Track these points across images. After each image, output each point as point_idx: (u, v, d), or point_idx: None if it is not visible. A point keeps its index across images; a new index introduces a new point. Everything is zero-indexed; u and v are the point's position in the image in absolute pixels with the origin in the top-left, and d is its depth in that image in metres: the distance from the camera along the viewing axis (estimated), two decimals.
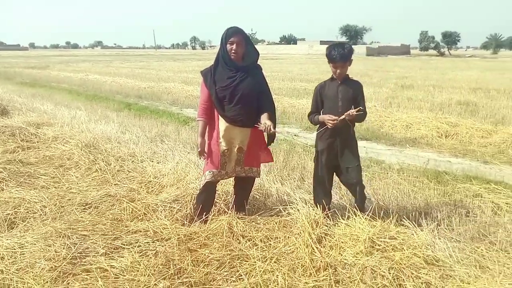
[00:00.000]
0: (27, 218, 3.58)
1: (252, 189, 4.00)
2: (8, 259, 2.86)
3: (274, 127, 3.23)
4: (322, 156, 3.41)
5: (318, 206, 3.38)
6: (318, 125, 3.47)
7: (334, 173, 3.55)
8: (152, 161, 5.11)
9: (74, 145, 5.58)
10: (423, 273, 2.66)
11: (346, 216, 3.30)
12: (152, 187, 4.30)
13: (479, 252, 3.01)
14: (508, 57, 57.47)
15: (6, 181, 4.42)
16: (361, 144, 6.99)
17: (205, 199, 3.47)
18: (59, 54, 74.54)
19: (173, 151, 5.57)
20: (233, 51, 3.23)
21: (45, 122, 7.40)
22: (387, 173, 5.01)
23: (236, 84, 3.25)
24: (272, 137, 3.50)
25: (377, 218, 3.27)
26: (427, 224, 3.43)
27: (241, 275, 2.70)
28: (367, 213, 3.29)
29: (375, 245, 2.91)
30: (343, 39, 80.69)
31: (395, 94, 13.17)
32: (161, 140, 6.49)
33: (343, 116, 3.16)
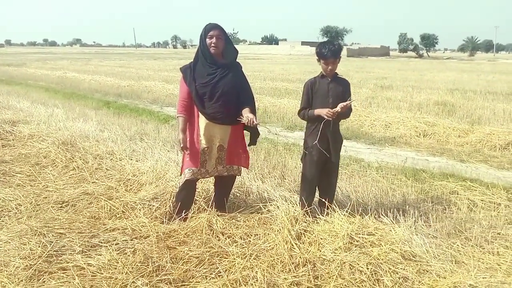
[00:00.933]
0: (1, 217, 3.49)
1: (233, 187, 4.00)
2: None
3: (256, 120, 3.22)
4: (313, 152, 3.40)
5: (304, 202, 3.40)
6: (308, 122, 3.48)
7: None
8: (131, 159, 5.04)
9: (51, 143, 5.47)
10: (401, 268, 2.70)
11: (325, 213, 3.32)
12: (130, 185, 4.24)
13: (455, 248, 3.07)
14: (484, 59, 58.93)
15: None
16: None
17: (185, 197, 3.44)
18: (36, 52, 72.96)
19: (152, 149, 5.50)
20: (213, 45, 3.22)
21: (21, 120, 7.24)
22: (366, 171, 5.07)
23: (217, 81, 3.24)
24: (255, 134, 3.49)
25: (356, 214, 3.31)
26: (405, 220, 3.47)
27: (220, 272, 2.69)
28: (346, 209, 3.32)
29: (354, 241, 2.94)
30: (324, 39, 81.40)
31: (375, 94, 13.34)
32: (140, 138, 6.42)
33: (338, 108, 3.19)
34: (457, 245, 3.11)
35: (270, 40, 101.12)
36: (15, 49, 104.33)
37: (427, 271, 2.73)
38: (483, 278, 2.57)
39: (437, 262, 2.80)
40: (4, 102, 9.77)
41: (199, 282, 2.61)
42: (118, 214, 3.59)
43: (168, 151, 5.47)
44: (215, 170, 3.43)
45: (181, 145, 3.33)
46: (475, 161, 5.94)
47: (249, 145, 3.57)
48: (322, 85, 3.39)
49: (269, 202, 3.51)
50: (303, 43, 77.67)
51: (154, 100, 12.08)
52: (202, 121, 3.30)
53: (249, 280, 2.55)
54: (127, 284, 2.53)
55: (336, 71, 3.40)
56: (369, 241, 2.95)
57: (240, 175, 3.67)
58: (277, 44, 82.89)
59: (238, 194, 4.00)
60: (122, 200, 3.79)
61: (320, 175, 3.50)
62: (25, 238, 2.95)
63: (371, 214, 3.35)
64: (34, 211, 3.60)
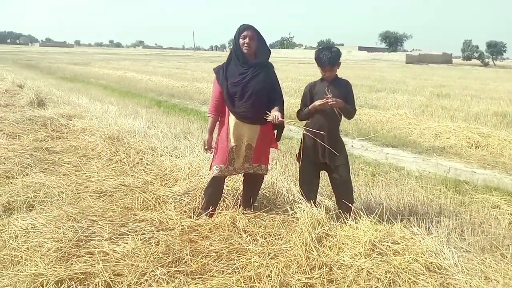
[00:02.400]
0: (44, 202, 3.75)
1: (263, 188, 4.03)
2: (21, 238, 3.02)
3: (283, 118, 3.25)
4: (309, 152, 3.42)
5: (305, 198, 3.41)
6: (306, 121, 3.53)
7: (321, 172, 3.62)
8: (171, 156, 5.22)
9: (99, 136, 5.78)
10: (422, 279, 2.60)
11: (351, 218, 3.27)
12: (166, 180, 4.40)
13: (487, 264, 2.90)
14: None
15: (31, 167, 4.65)
16: (386, 150, 6.92)
17: (212, 193, 3.52)
18: (102, 52, 77.28)
19: (193, 147, 5.67)
20: (245, 45, 3.29)
21: (77, 115, 7.70)
22: (405, 180, 4.90)
23: (248, 80, 3.30)
24: (280, 131, 3.51)
25: (383, 222, 3.23)
26: (437, 232, 3.34)
27: (237, 268, 2.72)
28: (373, 215, 3.24)
29: (376, 248, 2.86)
30: (383, 45, 79.24)
31: (430, 102, 12.83)
32: (184, 137, 6.62)
33: (326, 101, 3.24)
34: (490, 261, 2.93)
35: (327, 45, 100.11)
36: (83, 49, 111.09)
37: (451, 285, 2.60)
38: None
39: (464, 277, 2.67)
40: (65, 97, 10.45)
41: (215, 276, 2.66)
42: (150, 206, 3.74)
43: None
44: (242, 167, 3.49)
45: (205, 146, 3.42)
46: None
47: (278, 139, 3.59)
48: (321, 87, 3.43)
49: (296, 204, 3.50)
50: (360, 48, 76.23)
51: (204, 101, 12.39)
52: (232, 120, 3.36)
53: (262, 278, 2.57)
54: (146, 272, 2.64)
55: (337, 74, 3.46)
56: (392, 250, 2.86)
57: (267, 174, 3.69)
58: None
59: (267, 195, 4.02)
60: (156, 193, 3.94)
61: (318, 175, 3.57)
62: (60, 222, 3.15)
63: (400, 223, 3.25)
64: (74, 199, 3.84)
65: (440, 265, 2.80)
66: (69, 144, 5.73)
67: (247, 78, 3.31)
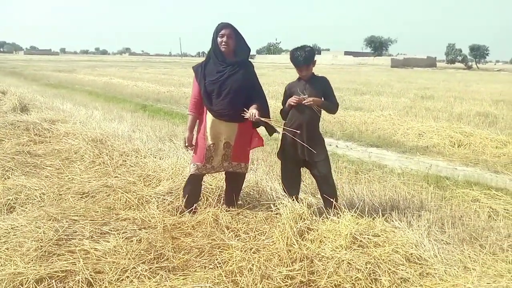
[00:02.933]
0: (25, 204, 3.72)
1: (247, 186, 4.05)
2: (0, 239, 2.98)
3: (261, 116, 3.26)
4: (289, 149, 3.46)
5: (287, 194, 3.44)
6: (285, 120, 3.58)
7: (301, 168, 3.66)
8: (155, 157, 5.21)
9: (82, 139, 5.74)
10: (401, 269, 2.64)
11: (333, 213, 3.30)
12: (150, 181, 4.39)
13: (466, 254, 2.95)
14: None
15: (12, 170, 4.60)
16: (370, 150, 6.98)
17: (190, 190, 3.53)
18: (87, 59, 76.67)
19: (178, 149, 5.66)
20: (223, 44, 3.29)
21: (61, 119, 7.63)
22: (388, 177, 4.96)
23: (225, 78, 3.30)
24: (269, 126, 3.50)
25: (366, 216, 3.27)
26: (418, 225, 3.39)
27: (219, 263, 2.73)
28: (354, 209, 3.28)
29: (357, 241, 2.90)
30: (368, 50, 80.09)
31: (414, 104, 13.00)
32: (169, 139, 6.61)
33: (299, 100, 3.32)
34: (469, 251, 2.99)
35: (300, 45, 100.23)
36: (68, 57, 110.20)
37: (430, 274, 2.64)
38: (486, 283, 2.46)
39: (443, 266, 2.71)
40: (49, 103, 10.35)
41: (197, 271, 2.67)
42: (133, 206, 3.72)
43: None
44: (221, 166, 3.50)
45: (186, 144, 3.43)
46: (510, 172, 5.65)
47: (270, 134, 3.59)
48: (299, 86, 3.49)
49: (278, 200, 3.52)
50: (346, 52, 76.93)
51: None
52: (209, 118, 3.37)
53: (244, 272, 2.58)
54: (128, 268, 2.63)
55: (313, 72, 3.52)
56: (373, 242, 2.90)
57: (247, 172, 3.70)
58: (319, 54, 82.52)
59: (251, 193, 4.04)
60: (139, 194, 3.93)
61: (299, 171, 3.60)
62: (40, 222, 3.12)
63: (382, 217, 3.29)
64: (55, 200, 3.81)
65: (420, 256, 2.84)
66: (51, 148, 5.68)
67: (224, 76, 3.31)
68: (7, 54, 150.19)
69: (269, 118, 3.40)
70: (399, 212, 3.71)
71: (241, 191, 3.83)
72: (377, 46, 78.52)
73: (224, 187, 3.85)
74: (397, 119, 9.47)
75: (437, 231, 3.42)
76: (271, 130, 3.58)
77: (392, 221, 3.35)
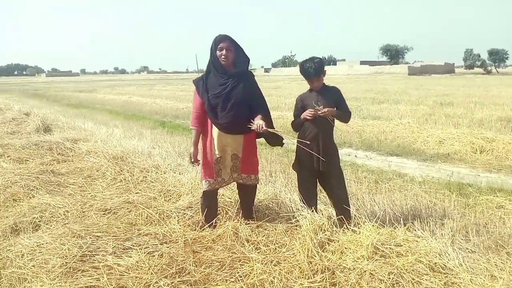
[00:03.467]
0: (50, 222, 3.80)
1: (266, 198, 4.06)
2: (27, 257, 3.06)
3: (267, 127, 3.26)
4: (305, 160, 3.45)
5: (306, 206, 3.42)
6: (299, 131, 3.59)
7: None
8: (175, 172, 5.27)
9: (103, 157, 5.86)
10: (425, 279, 2.59)
11: (353, 223, 3.27)
12: (170, 196, 4.44)
13: (492, 262, 2.88)
14: None
15: (37, 189, 4.71)
16: (390, 159, 6.91)
17: (207, 207, 3.56)
18: (107, 79, 78.38)
19: (197, 167, 5.71)
20: (223, 57, 3.30)
21: (82, 138, 7.81)
22: (408, 186, 4.90)
23: (229, 91, 3.31)
24: (273, 139, 3.51)
25: (387, 226, 3.23)
26: (442, 234, 3.33)
27: (240, 276, 2.73)
28: (375, 219, 3.25)
29: (379, 251, 2.86)
30: (384, 58, 79.59)
31: (433, 111, 12.83)
32: (188, 154, 6.66)
33: (314, 112, 3.30)
34: (495, 259, 2.92)
35: (329, 61, 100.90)
36: (88, 77, 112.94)
37: (455, 284, 2.59)
38: None
39: (468, 275, 2.65)
40: (71, 123, 10.61)
41: (218, 285, 2.68)
42: (154, 221, 3.77)
43: None
44: (231, 178, 3.52)
45: (192, 160, 3.46)
46: None
47: (272, 145, 3.62)
48: (311, 98, 3.48)
49: (298, 212, 3.51)
50: (362, 62, 76.61)
51: None
52: (215, 131, 3.38)
53: (265, 284, 2.58)
54: (150, 283, 2.66)
55: (324, 82, 3.51)
56: (395, 252, 2.86)
57: (257, 183, 3.71)
58: (335, 65, 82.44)
59: (270, 205, 4.03)
60: (159, 209, 3.97)
61: (315, 182, 3.58)
62: (65, 239, 3.19)
63: (403, 226, 3.25)
64: (79, 217, 3.89)
65: (444, 265, 2.79)
66: (74, 166, 5.81)
67: (228, 89, 3.31)
68: (29, 76, 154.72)
69: (273, 128, 3.40)
70: (422, 221, 3.66)
71: (260, 204, 3.84)
72: (393, 54, 77.98)
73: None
74: (417, 127, 9.35)
75: (462, 239, 3.35)
76: (272, 141, 3.58)
77: (415, 230, 3.30)
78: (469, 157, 6.97)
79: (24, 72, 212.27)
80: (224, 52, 3.30)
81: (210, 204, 3.57)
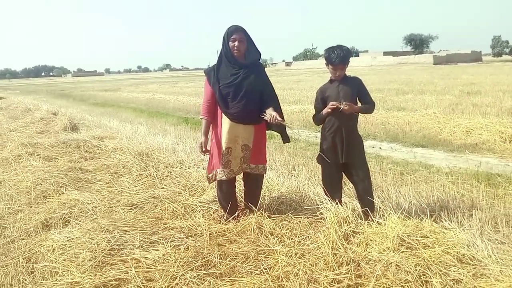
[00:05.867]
0: (79, 217, 3.91)
1: (289, 191, 4.06)
2: (58, 251, 3.17)
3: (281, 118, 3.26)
4: (328, 154, 3.42)
5: (331, 199, 3.39)
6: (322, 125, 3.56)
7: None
8: (199, 167, 5.33)
9: (129, 154, 5.97)
10: (453, 271, 2.54)
11: (379, 215, 3.24)
12: (194, 190, 4.49)
13: None
14: None
15: (66, 186, 4.85)
16: (415, 151, 6.79)
17: (224, 197, 3.58)
18: (131, 78, 79.60)
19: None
20: (235, 48, 3.32)
21: (108, 136, 7.98)
22: (435, 177, 4.81)
23: (240, 81, 3.32)
24: (284, 135, 3.54)
25: (413, 218, 3.19)
26: (470, 225, 3.27)
27: (265, 269, 2.75)
28: (400, 211, 3.20)
29: (405, 243, 2.82)
30: (408, 48, 77.96)
31: (459, 100, 12.52)
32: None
33: (342, 106, 3.23)
34: None
35: (351, 52, 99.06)
36: (112, 77, 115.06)
37: (484, 275, 2.53)
38: None
39: (498, 267, 2.59)
40: (97, 121, 10.84)
41: (243, 277, 2.70)
42: (179, 215, 3.83)
43: None
44: (240, 169, 3.53)
45: (203, 149, 3.44)
46: None
47: (284, 142, 3.62)
48: (332, 89, 3.43)
49: (322, 205, 3.50)
50: (385, 53, 75.26)
51: None
52: (225, 121, 3.38)
53: (290, 277, 2.58)
54: (177, 276, 2.70)
55: (346, 73, 3.45)
56: (422, 243, 2.82)
57: (265, 173, 3.71)
58: (358, 56, 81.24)
59: (294, 198, 4.03)
60: (184, 203, 4.03)
61: (340, 175, 3.54)
62: (93, 234, 3.28)
63: (430, 218, 3.20)
64: (107, 212, 3.98)
65: (473, 256, 2.73)
66: (101, 163, 5.94)
67: (239, 78, 3.33)
68: (56, 77, 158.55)
69: (283, 120, 3.40)
70: (449, 212, 3.60)
71: (284, 197, 3.84)
72: (418, 44, 76.31)
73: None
74: (443, 117, 9.15)
75: (491, 230, 3.28)
76: (285, 138, 3.60)
77: (442, 221, 3.24)
78: (498, 146, 6.77)
79: (51, 73, 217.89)
80: (236, 43, 3.32)
81: (226, 194, 3.57)
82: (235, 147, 3.44)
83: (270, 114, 3.24)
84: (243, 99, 3.31)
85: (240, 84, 3.33)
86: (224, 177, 3.48)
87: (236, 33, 3.33)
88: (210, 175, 3.59)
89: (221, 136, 3.42)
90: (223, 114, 3.40)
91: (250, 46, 3.41)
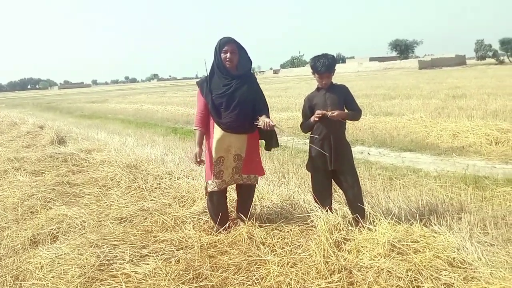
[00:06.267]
0: (67, 232, 3.85)
1: (280, 200, 4.06)
2: (46, 268, 3.10)
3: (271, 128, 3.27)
4: (318, 161, 3.44)
5: (321, 207, 3.40)
6: (310, 132, 3.58)
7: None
8: (188, 178, 5.30)
9: (117, 166, 5.91)
10: (444, 275, 2.56)
11: (369, 221, 3.25)
12: (184, 201, 4.46)
13: None
14: None
15: (53, 200, 4.78)
16: (404, 155, 6.85)
17: (215, 208, 3.57)
18: (118, 89, 79.14)
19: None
20: (227, 60, 3.35)
21: (96, 148, 7.90)
22: (423, 181, 4.85)
23: (232, 91, 3.35)
24: (274, 140, 3.54)
25: (403, 223, 3.20)
26: (459, 228, 3.29)
27: (257, 279, 2.73)
28: (390, 217, 3.22)
29: (396, 249, 2.83)
30: (393, 54, 78.92)
31: (445, 104, 12.69)
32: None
33: (329, 114, 3.28)
34: None
35: (337, 59, 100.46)
36: (100, 88, 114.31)
37: (475, 278, 2.55)
38: None
39: (488, 269, 2.61)
40: (84, 134, 10.73)
41: None
42: (169, 227, 3.79)
43: None
44: (232, 179, 3.53)
45: (197, 159, 3.45)
46: None
47: (266, 149, 3.64)
48: (319, 97, 3.48)
49: (312, 213, 3.50)
50: (371, 59, 76.07)
51: None
52: (217, 131, 3.39)
53: (282, 286, 2.58)
54: None
55: (332, 80, 3.50)
56: (412, 248, 2.83)
57: (257, 183, 3.72)
58: (344, 63, 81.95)
59: (284, 207, 4.03)
60: (174, 215, 4.00)
61: (330, 182, 3.56)
62: (82, 249, 3.22)
63: (420, 222, 3.22)
64: (95, 226, 3.93)
65: (463, 260, 2.75)
66: (89, 176, 5.87)
67: (231, 89, 3.36)
68: (42, 90, 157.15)
69: (274, 130, 3.42)
70: (438, 216, 3.63)
71: (275, 206, 3.84)
72: (403, 49, 77.26)
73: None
74: (429, 121, 9.27)
75: (480, 233, 3.32)
76: (271, 143, 3.60)
77: (431, 225, 3.27)
78: (484, 149, 6.87)
79: (37, 86, 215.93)
80: (228, 55, 3.35)
81: (217, 205, 3.56)
82: (228, 156, 3.44)
83: (263, 120, 3.26)
84: (236, 109, 3.33)
85: (233, 94, 3.35)
86: (215, 188, 3.47)
87: (228, 44, 3.36)
88: (204, 185, 3.61)
89: (214, 146, 3.43)
90: (215, 124, 3.40)
91: (242, 57, 3.43)
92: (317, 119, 3.35)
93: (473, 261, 2.74)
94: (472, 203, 3.99)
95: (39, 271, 3.09)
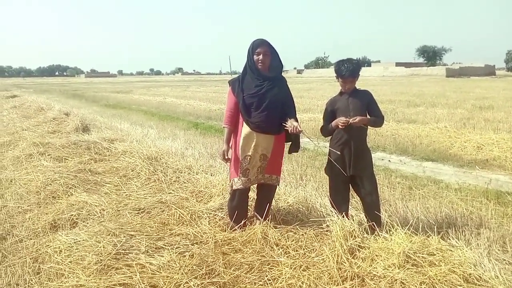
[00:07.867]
0: (87, 219, 3.95)
1: (296, 202, 4.06)
2: (64, 253, 3.19)
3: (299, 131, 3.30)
4: (337, 165, 3.41)
5: (338, 211, 3.38)
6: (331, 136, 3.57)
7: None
8: (207, 174, 5.35)
9: (138, 157, 6.01)
10: None
11: (385, 230, 3.22)
12: (202, 196, 4.51)
13: None
14: None
15: (75, 187, 4.90)
16: (425, 165, 6.74)
17: (236, 206, 3.59)
18: (143, 80, 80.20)
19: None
20: (260, 62, 3.39)
21: (119, 138, 8.04)
22: (444, 192, 4.77)
23: (264, 92, 3.39)
24: (296, 144, 3.57)
25: (420, 234, 3.16)
26: (478, 244, 3.23)
27: (269, 280, 2.75)
28: (407, 227, 3.18)
29: (411, 260, 2.80)
30: (420, 60, 77.64)
31: (471, 115, 12.42)
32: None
33: (350, 120, 3.27)
34: None
35: (362, 63, 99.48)
36: (125, 79, 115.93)
37: None
38: None
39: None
40: (108, 123, 10.94)
41: (247, 287, 2.70)
42: (185, 221, 3.84)
43: None
44: (256, 178, 3.57)
45: (226, 156, 3.50)
46: None
47: (289, 152, 3.64)
48: (341, 101, 3.47)
49: (328, 218, 3.49)
50: (398, 64, 74.98)
51: None
52: (245, 130, 3.44)
53: None
54: (181, 283, 2.71)
55: (356, 85, 3.48)
56: (428, 261, 2.80)
57: (278, 184, 3.74)
58: (369, 66, 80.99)
59: (300, 209, 4.03)
60: (191, 209, 4.05)
61: (347, 187, 3.53)
62: (100, 237, 3.30)
63: (437, 235, 3.17)
64: (114, 215, 4.01)
65: (479, 276, 2.70)
66: (110, 166, 5.98)
67: (263, 90, 3.40)
68: (69, 77, 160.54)
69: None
70: (457, 230, 3.56)
71: (290, 207, 3.84)
72: (431, 55, 75.96)
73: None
74: (454, 132, 9.08)
75: (499, 250, 3.24)
76: (295, 146, 3.62)
77: (449, 239, 3.22)
78: (509, 164, 6.69)
79: (65, 73, 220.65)
80: (261, 57, 3.39)
81: (239, 204, 3.60)
82: (254, 156, 3.48)
83: (292, 124, 3.29)
84: (266, 110, 3.38)
85: (264, 95, 3.39)
86: (241, 186, 3.52)
87: (261, 46, 3.41)
88: (230, 183, 3.66)
89: (241, 144, 3.47)
90: (244, 123, 3.45)
91: (274, 59, 3.47)
92: (341, 126, 3.33)
93: (490, 278, 2.68)
94: (492, 219, 3.91)
95: (57, 255, 3.18)
